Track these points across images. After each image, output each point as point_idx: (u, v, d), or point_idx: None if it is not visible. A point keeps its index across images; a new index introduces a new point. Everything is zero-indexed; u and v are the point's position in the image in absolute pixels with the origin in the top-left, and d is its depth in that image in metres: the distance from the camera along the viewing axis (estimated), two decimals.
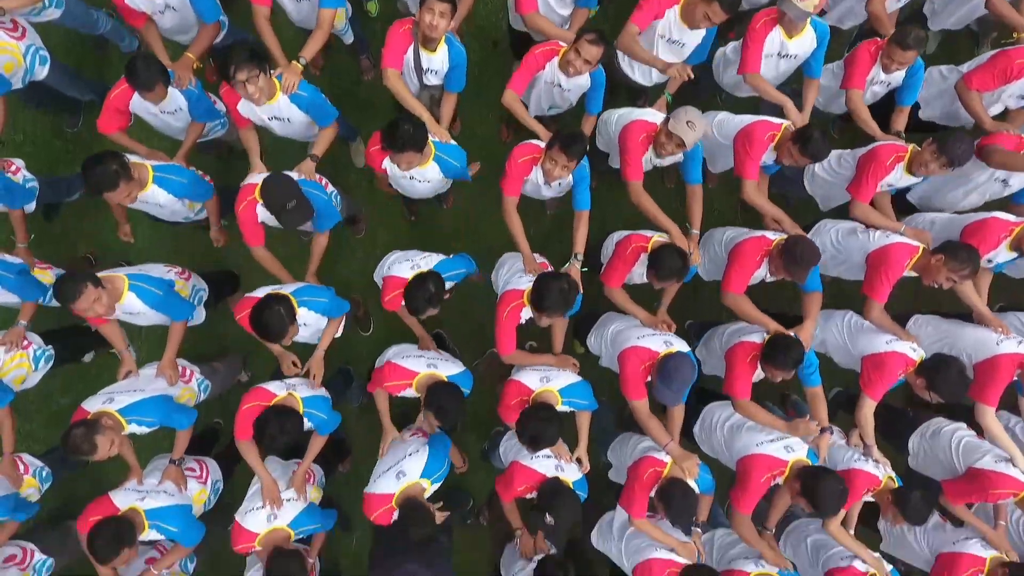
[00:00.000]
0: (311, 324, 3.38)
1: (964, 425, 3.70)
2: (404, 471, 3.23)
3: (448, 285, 3.36)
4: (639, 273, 3.48)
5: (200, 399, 3.69)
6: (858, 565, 3.41)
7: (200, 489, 3.56)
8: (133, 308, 3.19)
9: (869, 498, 3.44)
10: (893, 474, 3.44)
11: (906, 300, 3.95)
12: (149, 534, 3.19)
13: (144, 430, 3.19)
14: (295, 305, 3.20)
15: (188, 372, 3.59)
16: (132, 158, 3.23)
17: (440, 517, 3.32)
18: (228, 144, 4.13)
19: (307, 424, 3.27)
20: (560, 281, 3.09)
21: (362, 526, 4.69)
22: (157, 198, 3.32)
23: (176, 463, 3.40)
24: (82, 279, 2.91)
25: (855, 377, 3.61)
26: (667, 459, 3.34)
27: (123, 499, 3.17)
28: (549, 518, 3.08)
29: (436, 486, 3.32)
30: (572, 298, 3.14)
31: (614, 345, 3.58)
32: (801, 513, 3.99)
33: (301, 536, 3.38)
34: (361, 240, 4.70)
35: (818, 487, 3.06)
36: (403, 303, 3.24)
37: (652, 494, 3.32)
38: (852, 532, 3.56)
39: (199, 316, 3.71)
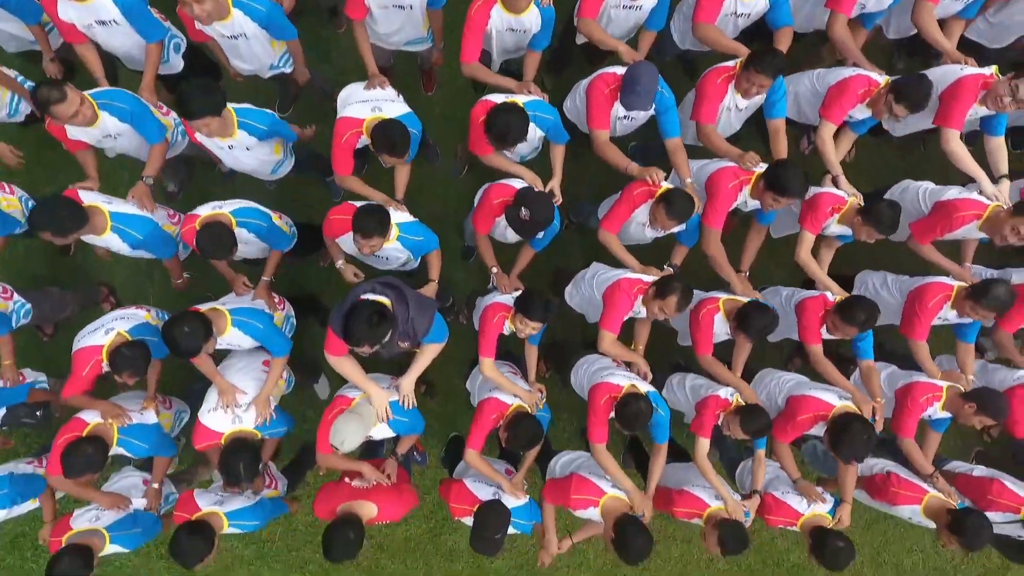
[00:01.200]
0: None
1: (931, 182, 3.78)
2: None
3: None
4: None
5: (177, 140, 3.69)
6: (828, 295, 3.51)
7: (168, 224, 3.54)
8: (106, 12, 3.19)
9: (839, 232, 3.50)
10: (859, 196, 3.49)
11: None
12: (108, 238, 3.19)
13: (116, 124, 3.19)
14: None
15: (166, 109, 3.60)
16: None
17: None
18: None
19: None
20: None
21: None
22: None
23: (144, 180, 3.35)
24: None
25: None
26: (664, 184, 3.36)
27: (90, 198, 3.17)
28: (524, 211, 3.12)
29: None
30: None
31: (586, 85, 3.59)
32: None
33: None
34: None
35: (782, 173, 3.15)
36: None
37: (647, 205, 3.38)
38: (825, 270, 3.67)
39: (175, 62, 3.73)
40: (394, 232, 3.24)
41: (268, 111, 3.32)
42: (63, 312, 4.17)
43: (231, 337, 3.19)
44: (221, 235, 3.10)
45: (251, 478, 3.11)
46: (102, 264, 4.58)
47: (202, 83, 2.99)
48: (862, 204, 3.43)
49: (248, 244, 3.35)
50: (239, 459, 3.06)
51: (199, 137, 3.20)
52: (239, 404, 3.25)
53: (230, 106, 3.15)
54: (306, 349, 4.25)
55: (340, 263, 3.49)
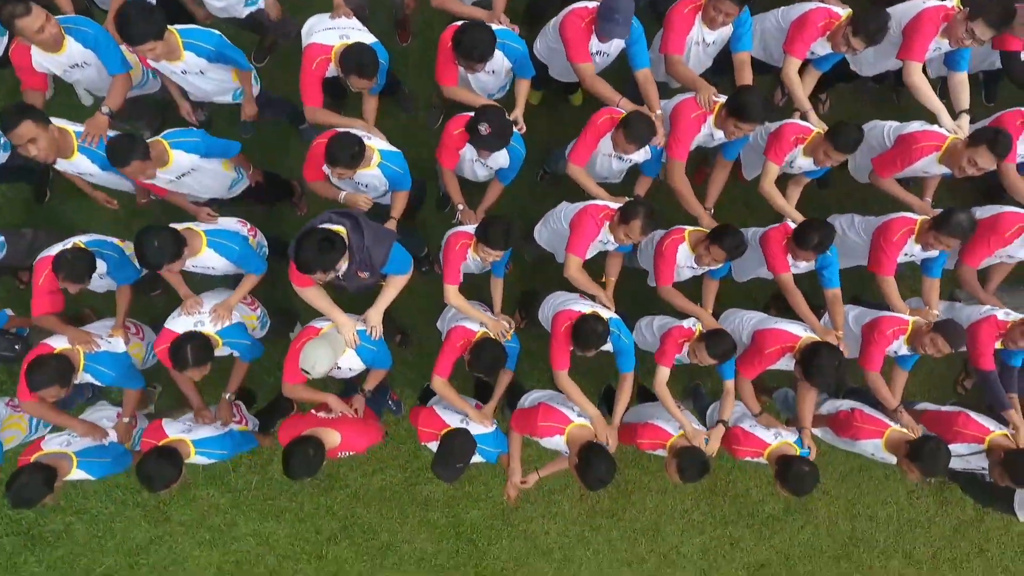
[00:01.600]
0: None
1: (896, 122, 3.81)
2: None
3: None
4: None
5: (148, 81, 3.72)
6: (790, 223, 3.54)
7: None
8: None
9: (806, 167, 3.54)
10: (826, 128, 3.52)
11: None
12: (77, 160, 3.20)
13: (81, 50, 3.19)
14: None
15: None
16: None
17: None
18: None
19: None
20: None
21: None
22: None
23: (101, 111, 3.30)
24: None
25: None
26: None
27: (58, 121, 3.18)
28: (484, 126, 3.15)
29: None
30: None
31: (557, 23, 3.60)
32: None
33: None
34: None
35: (743, 98, 3.17)
36: None
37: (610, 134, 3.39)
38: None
39: None
40: (375, 158, 3.26)
41: (214, 31, 3.32)
42: (38, 256, 4.19)
43: (206, 259, 3.22)
44: (120, 143, 3.04)
45: (199, 363, 3.13)
46: (79, 214, 4.61)
47: (140, 4, 2.99)
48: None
49: (200, 171, 3.34)
50: (188, 342, 3.10)
51: (151, 63, 3.20)
52: (202, 311, 3.31)
53: (173, 28, 3.15)
54: (280, 296, 4.27)
55: (343, 196, 3.46)
